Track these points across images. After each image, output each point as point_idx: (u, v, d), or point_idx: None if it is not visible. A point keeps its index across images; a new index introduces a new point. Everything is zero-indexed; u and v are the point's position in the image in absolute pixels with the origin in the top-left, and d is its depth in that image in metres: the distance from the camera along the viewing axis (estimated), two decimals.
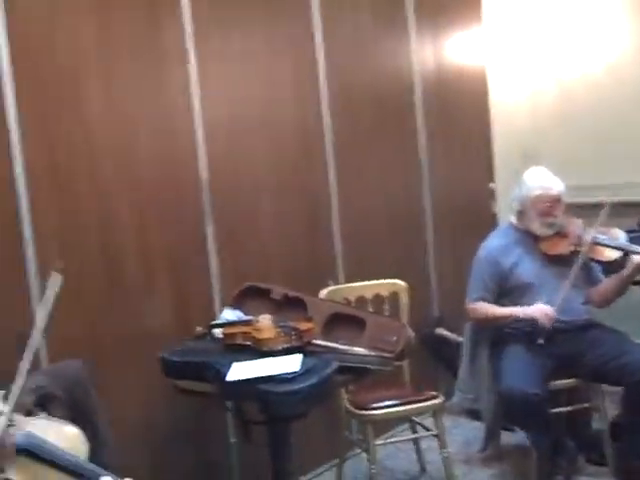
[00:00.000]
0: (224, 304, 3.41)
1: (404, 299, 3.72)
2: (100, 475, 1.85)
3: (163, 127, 3.35)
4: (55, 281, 2.05)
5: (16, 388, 1.90)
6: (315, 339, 3.02)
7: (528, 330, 3.46)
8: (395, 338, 3.09)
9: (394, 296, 3.73)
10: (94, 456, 1.97)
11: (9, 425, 1.88)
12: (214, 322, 3.18)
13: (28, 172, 2.91)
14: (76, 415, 2.37)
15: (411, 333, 3.19)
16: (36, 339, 1.97)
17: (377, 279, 3.77)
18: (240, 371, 2.76)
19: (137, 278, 3.26)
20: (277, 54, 3.80)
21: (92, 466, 1.88)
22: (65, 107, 3.04)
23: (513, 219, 3.74)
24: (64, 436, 1.95)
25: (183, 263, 3.42)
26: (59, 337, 2.91)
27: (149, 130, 3.30)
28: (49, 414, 2.19)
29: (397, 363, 3.13)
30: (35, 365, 2.76)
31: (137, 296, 3.25)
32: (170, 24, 3.36)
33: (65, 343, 2.96)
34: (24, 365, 1.92)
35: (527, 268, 3.61)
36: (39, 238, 2.94)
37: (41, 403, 2.30)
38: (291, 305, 3.28)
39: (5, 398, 1.94)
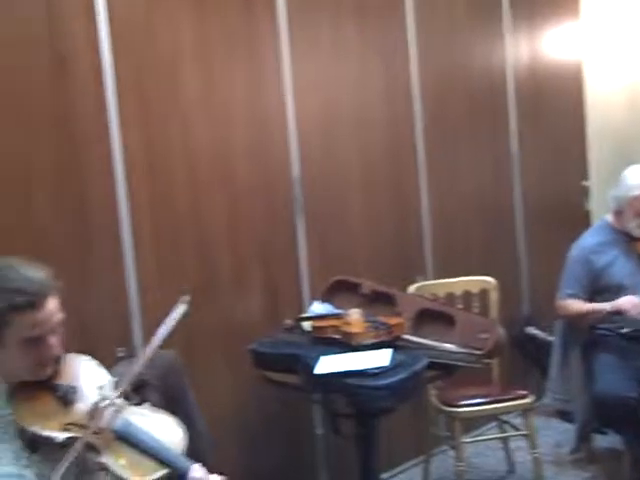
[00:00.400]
0: (313, 297, 3.43)
1: (494, 297, 3.67)
2: (190, 467, 1.89)
3: (257, 121, 3.39)
4: (180, 309, 2.13)
5: (127, 379, 1.96)
6: (404, 334, 3.02)
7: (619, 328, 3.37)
8: (485, 336, 3.05)
9: (483, 293, 3.69)
10: (189, 445, 2.01)
11: (112, 410, 1.94)
12: (303, 315, 3.21)
13: (126, 154, 2.98)
14: (170, 402, 2.43)
15: (502, 331, 3.15)
16: (150, 350, 2.05)
17: (466, 276, 3.74)
18: (329, 364, 2.78)
19: (229, 271, 3.31)
20: (369, 49, 3.79)
21: (185, 459, 1.93)
22: (163, 99, 3.11)
23: (610, 218, 3.64)
24: (164, 427, 2.00)
25: (273, 257, 3.46)
26: (155, 327, 3.00)
27: (244, 125, 3.35)
28: (144, 400, 2.25)
29: (487, 361, 3.09)
30: (132, 353, 2.86)
31: (229, 289, 3.30)
32: (265, 18, 3.40)
33: None
34: (139, 364, 1.98)
35: (621, 268, 3.51)
36: (135, 222, 3.02)
37: (137, 388, 2.36)
38: (380, 300, 3.27)
39: (115, 386, 2.00)
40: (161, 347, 2.15)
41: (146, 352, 2.06)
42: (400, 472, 3.86)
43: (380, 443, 3.00)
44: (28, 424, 1.85)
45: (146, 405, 2.10)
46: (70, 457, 1.79)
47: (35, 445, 1.86)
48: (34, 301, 1.82)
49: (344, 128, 3.70)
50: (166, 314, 2.66)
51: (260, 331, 3.25)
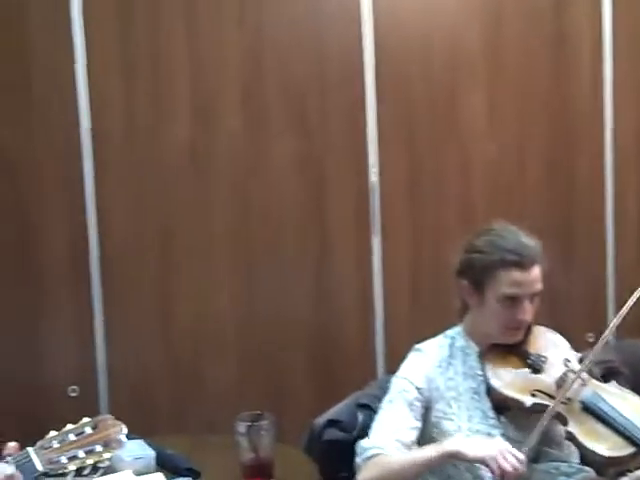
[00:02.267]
0: None
1: None
2: None
3: None
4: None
5: (591, 354, 2.03)
6: None
7: None
8: None
9: None
10: None
11: (579, 383, 2.01)
12: None
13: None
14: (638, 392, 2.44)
15: None
16: (609, 331, 2.07)
17: None
18: None
19: None
20: None
21: None
22: None
23: None
24: (632, 406, 2.02)
25: None
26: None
27: None
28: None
29: None
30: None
31: None
32: None
33: None
34: (604, 338, 2.04)
35: None
36: (618, 208, 3.08)
37: (606, 375, 2.41)
38: None
39: (580, 361, 2.10)
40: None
41: (606, 333, 2.07)
42: None
43: None
44: (498, 386, 1.98)
45: (613, 383, 2.13)
46: (542, 423, 1.89)
47: (502, 407, 2.01)
48: (522, 262, 1.99)
49: None
50: None
51: None
